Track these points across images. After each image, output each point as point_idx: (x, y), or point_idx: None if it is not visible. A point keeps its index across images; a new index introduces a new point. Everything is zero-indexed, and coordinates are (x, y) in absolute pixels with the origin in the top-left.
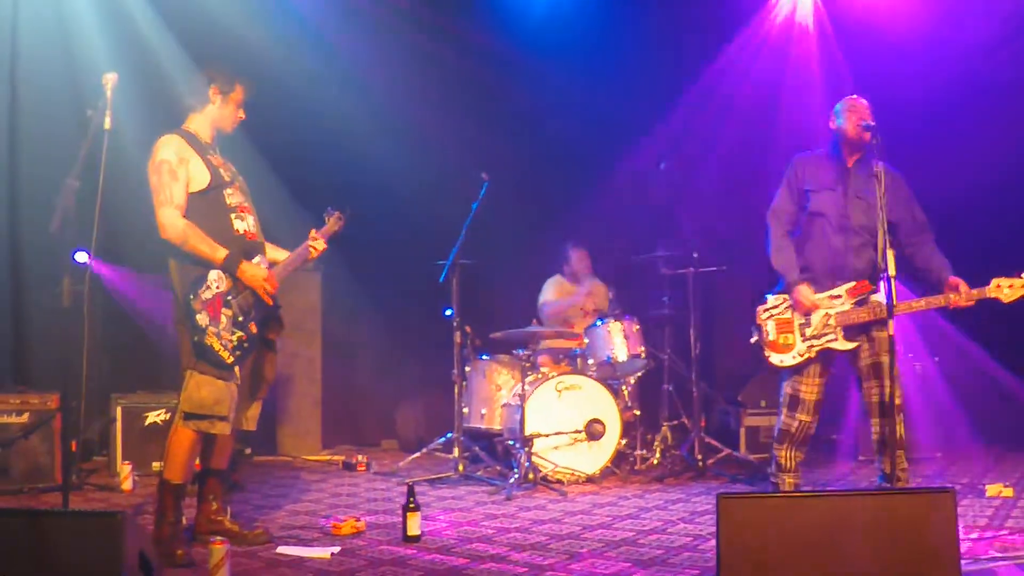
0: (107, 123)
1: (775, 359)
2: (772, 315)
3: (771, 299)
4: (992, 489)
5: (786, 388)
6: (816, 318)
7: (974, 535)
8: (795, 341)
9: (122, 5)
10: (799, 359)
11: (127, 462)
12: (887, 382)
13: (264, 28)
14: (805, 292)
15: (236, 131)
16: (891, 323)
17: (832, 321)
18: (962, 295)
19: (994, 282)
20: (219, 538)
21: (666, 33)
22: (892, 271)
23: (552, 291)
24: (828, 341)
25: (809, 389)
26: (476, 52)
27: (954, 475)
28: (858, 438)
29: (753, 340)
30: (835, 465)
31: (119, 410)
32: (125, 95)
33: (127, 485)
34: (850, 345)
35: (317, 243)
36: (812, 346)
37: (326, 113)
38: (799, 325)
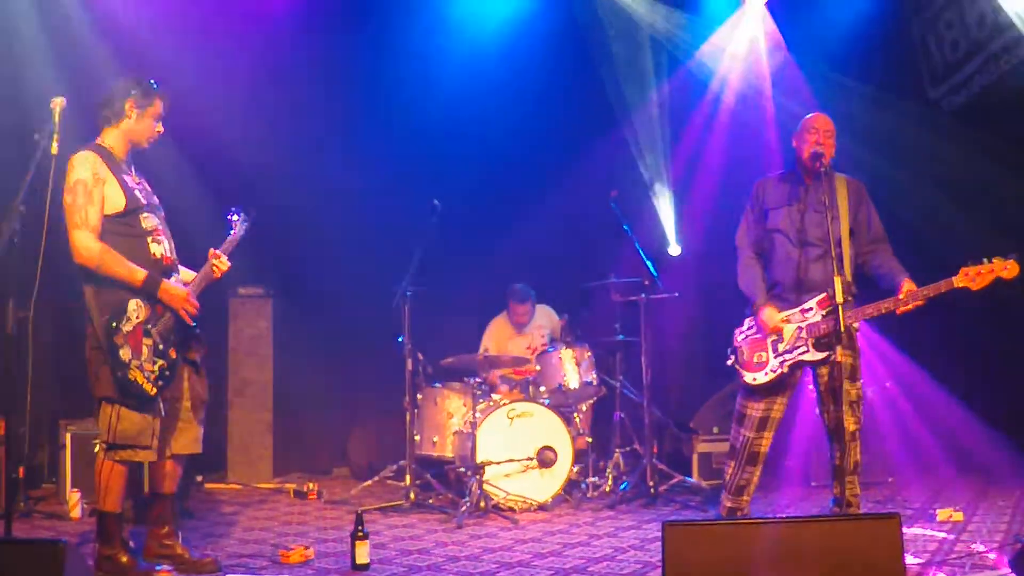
0: (54, 148)
1: (748, 377)
2: (747, 336)
3: (747, 321)
4: (943, 513)
5: (736, 403)
6: (788, 332)
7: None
8: (768, 358)
9: (69, 28)
10: (772, 375)
11: (76, 489)
12: (845, 407)
13: (212, 52)
14: (769, 313)
15: (180, 154)
16: (839, 349)
17: (804, 333)
18: (908, 296)
19: (961, 271)
20: (165, 568)
21: (618, 59)
22: (840, 298)
23: (492, 338)
24: (800, 353)
25: (755, 406)
26: (426, 78)
27: (906, 499)
28: (809, 463)
29: (729, 362)
30: (785, 490)
31: (68, 436)
32: (72, 120)
33: (76, 512)
34: (820, 355)
35: (220, 262)
36: (784, 360)
37: (273, 138)
38: (771, 342)
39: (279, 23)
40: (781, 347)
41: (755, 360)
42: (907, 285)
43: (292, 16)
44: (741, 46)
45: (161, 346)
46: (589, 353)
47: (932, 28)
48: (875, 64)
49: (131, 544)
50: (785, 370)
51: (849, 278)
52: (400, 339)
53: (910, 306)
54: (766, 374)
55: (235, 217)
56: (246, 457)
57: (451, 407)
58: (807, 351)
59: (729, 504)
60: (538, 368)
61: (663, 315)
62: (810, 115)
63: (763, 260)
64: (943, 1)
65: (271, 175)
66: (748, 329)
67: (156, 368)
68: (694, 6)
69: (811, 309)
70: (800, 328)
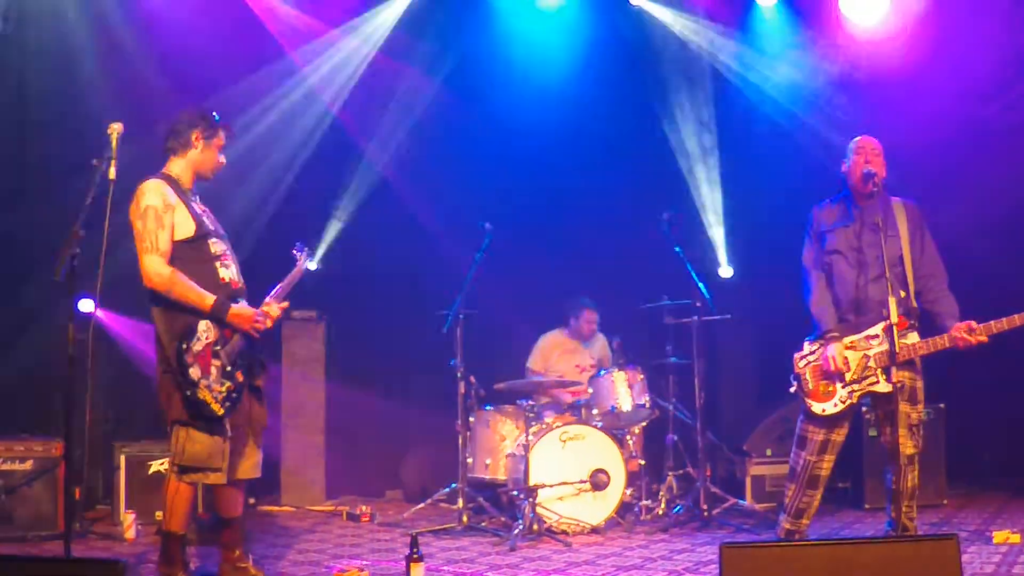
0: (112, 173)
1: (817, 408)
2: (809, 362)
3: (807, 346)
4: (999, 536)
5: (798, 426)
6: (854, 361)
7: None
8: (836, 388)
9: (129, 57)
10: (841, 406)
11: (130, 511)
12: (903, 430)
13: (264, 76)
14: (836, 352)
15: (233, 178)
16: (894, 370)
17: (872, 363)
18: (962, 333)
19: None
20: None
21: (671, 81)
22: (894, 318)
23: (544, 353)
24: (870, 384)
25: (817, 430)
26: (481, 100)
27: (961, 521)
28: (864, 486)
29: (792, 389)
30: (840, 513)
31: (122, 459)
32: (130, 145)
33: (130, 534)
34: (890, 388)
35: (271, 309)
36: (854, 391)
37: (327, 159)
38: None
39: (329, 55)
40: (849, 376)
41: (822, 390)
42: (961, 327)
43: (341, 49)
44: (791, 67)
45: (229, 368)
46: (642, 375)
47: None
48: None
49: (191, 566)
50: (855, 400)
51: (914, 301)
52: (452, 362)
53: (972, 342)
54: (835, 405)
55: (299, 254)
56: (299, 480)
57: (504, 430)
58: (877, 382)
59: (788, 526)
60: (590, 391)
61: (716, 338)
62: (856, 138)
63: (828, 282)
64: None
65: (321, 198)
66: (810, 355)
67: (224, 389)
68: (746, 26)
69: (876, 336)
70: (867, 356)
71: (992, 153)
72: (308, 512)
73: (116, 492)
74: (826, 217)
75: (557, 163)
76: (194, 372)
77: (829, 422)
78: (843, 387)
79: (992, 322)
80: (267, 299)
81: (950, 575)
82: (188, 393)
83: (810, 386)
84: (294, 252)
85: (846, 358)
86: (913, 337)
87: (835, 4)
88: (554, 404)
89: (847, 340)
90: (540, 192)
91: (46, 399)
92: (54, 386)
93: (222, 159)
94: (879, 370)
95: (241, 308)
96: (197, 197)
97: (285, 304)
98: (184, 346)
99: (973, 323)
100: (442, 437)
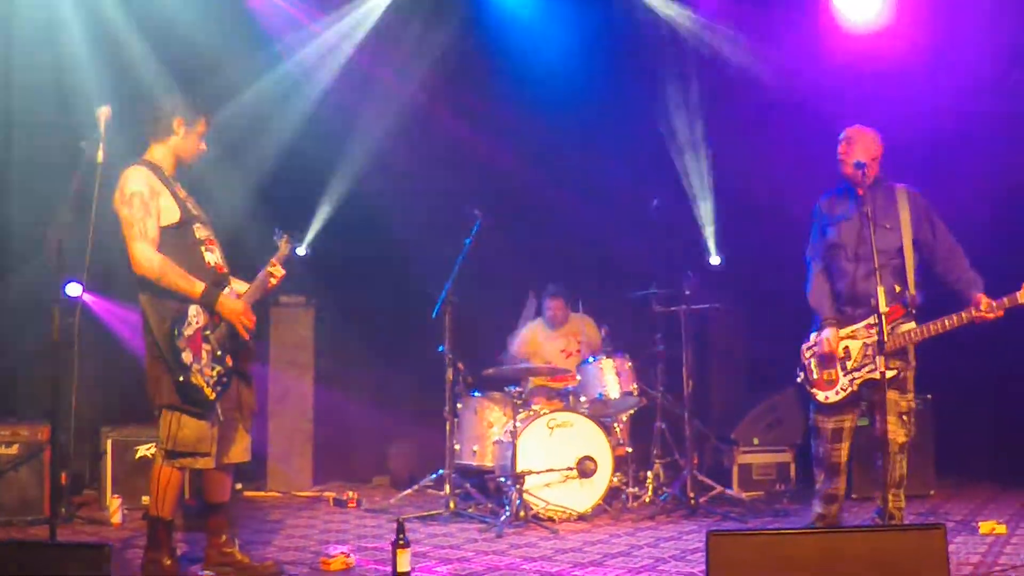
0: (100, 156)
1: (820, 396)
2: (814, 353)
3: (813, 337)
4: (985, 526)
5: (810, 417)
6: (855, 349)
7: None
8: (838, 376)
9: (116, 39)
10: (843, 394)
11: (116, 495)
12: (892, 418)
13: (260, 69)
14: (830, 335)
15: (229, 167)
16: (881, 359)
17: (870, 351)
18: (983, 309)
19: None
20: (208, 573)
21: (663, 69)
22: (883, 307)
23: (525, 339)
24: (869, 372)
25: (825, 419)
26: (471, 87)
27: (948, 512)
28: (852, 475)
29: (799, 379)
30: None
31: (109, 443)
32: (118, 128)
33: (116, 518)
34: (890, 373)
35: (276, 270)
36: (854, 379)
37: (319, 149)
38: (840, 359)
39: (318, 40)
40: (850, 365)
41: (825, 379)
42: (983, 300)
43: (331, 34)
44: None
45: (219, 352)
46: (630, 363)
47: None
48: None
49: (177, 551)
50: (855, 388)
51: (912, 291)
52: (441, 349)
53: (987, 317)
54: (837, 393)
55: (282, 238)
56: (286, 465)
57: (491, 417)
58: (876, 369)
59: (819, 510)
60: (579, 378)
61: (705, 326)
62: (848, 128)
63: (829, 274)
64: None
65: (312, 186)
66: (815, 345)
67: (215, 374)
68: (740, 14)
69: (875, 325)
70: (867, 345)
71: (988, 143)
72: (294, 498)
73: (102, 477)
74: (830, 210)
75: (547, 149)
76: (186, 356)
77: (835, 410)
78: (844, 375)
79: (1004, 298)
80: (273, 260)
81: (936, 565)
82: (181, 378)
83: (814, 375)
84: (274, 238)
85: (846, 346)
86: (909, 326)
87: None
88: (542, 389)
89: (848, 329)
90: (530, 178)
91: (33, 384)
92: (41, 371)
93: (203, 145)
94: (878, 357)
95: (230, 299)
96: (178, 183)
97: (283, 273)
98: (176, 331)
99: (984, 298)
100: (430, 423)
